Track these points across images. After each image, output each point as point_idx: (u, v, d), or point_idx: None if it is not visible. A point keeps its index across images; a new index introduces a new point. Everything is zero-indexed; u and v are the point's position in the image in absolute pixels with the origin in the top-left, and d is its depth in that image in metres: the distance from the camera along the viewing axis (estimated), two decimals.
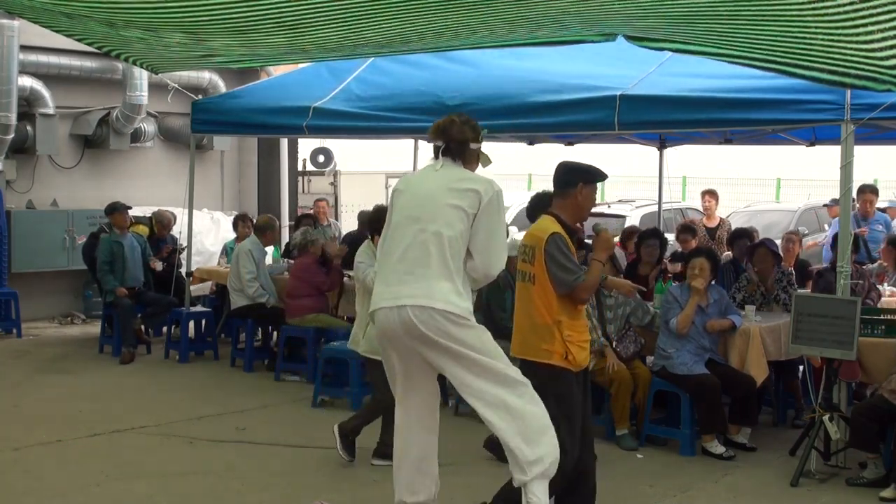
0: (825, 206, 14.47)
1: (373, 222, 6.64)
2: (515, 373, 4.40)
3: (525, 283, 4.78)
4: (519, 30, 5.87)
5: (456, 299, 4.28)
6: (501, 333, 5.40)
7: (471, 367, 4.32)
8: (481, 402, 4.36)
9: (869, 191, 10.43)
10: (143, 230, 10.84)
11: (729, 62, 5.98)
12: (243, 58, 7.01)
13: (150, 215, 11.33)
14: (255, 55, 6.85)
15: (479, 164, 4.68)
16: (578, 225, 5.06)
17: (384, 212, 5.20)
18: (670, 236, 11.73)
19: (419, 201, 4.48)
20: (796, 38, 5.16)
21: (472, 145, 4.57)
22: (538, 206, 6.30)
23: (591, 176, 4.86)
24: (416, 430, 4.58)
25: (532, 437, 4.30)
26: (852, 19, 4.60)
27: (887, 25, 4.62)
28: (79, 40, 6.62)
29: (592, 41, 6.05)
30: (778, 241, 9.11)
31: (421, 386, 4.56)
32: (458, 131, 4.55)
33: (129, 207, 10.56)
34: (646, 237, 8.76)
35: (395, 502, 4.68)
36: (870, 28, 4.68)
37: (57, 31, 6.41)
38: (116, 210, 10.20)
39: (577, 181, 4.82)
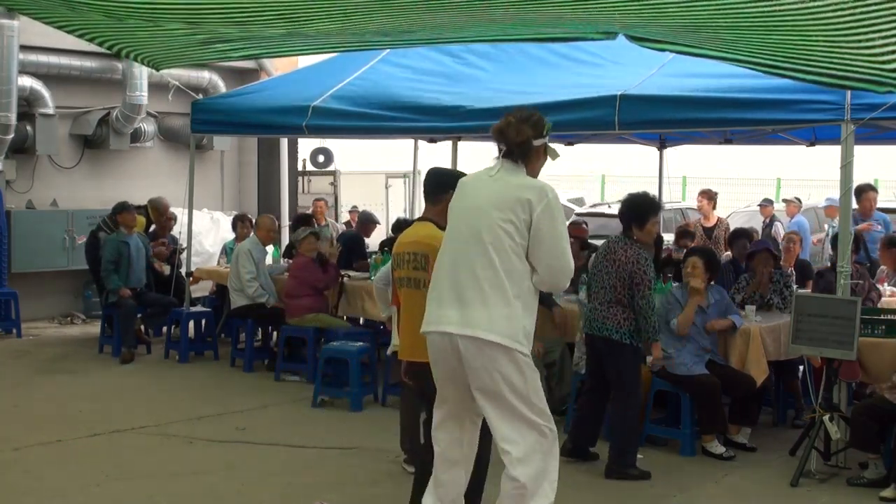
0: (823, 207, 14.46)
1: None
2: (545, 418, 4.26)
3: (419, 289, 4.72)
4: (520, 24, 5.87)
5: (508, 330, 4.10)
6: None
7: (503, 407, 4.17)
8: (501, 442, 4.26)
9: (871, 190, 10.44)
10: (140, 221, 10.79)
11: (730, 64, 5.99)
12: (244, 47, 6.98)
13: (144, 204, 11.24)
14: (255, 43, 6.81)
15: (548, 158, 4.41)
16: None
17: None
18: (670, 237, 11.74)
19: (471, 215, 4.27)
20: (797, 44, 5.18)
21: (536, 142, 4.29)
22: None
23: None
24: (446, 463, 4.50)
25: (538, 488, 4.25)
26: (853, 24, 4.60)
27: (888, 31, 4.63)
28: (79, 36, 6.59)
29: (593, 38, 6.05)
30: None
31: (459, 413, 4.43)
32: (515, 132, 4.27)
33: (138, 207, 10.56)
34: None
35: None
36: (870, 35, 4.69)
37: (58, 27, 6.37)
38: (125, 210, 10.18)
39: (448, 187, 4.71)
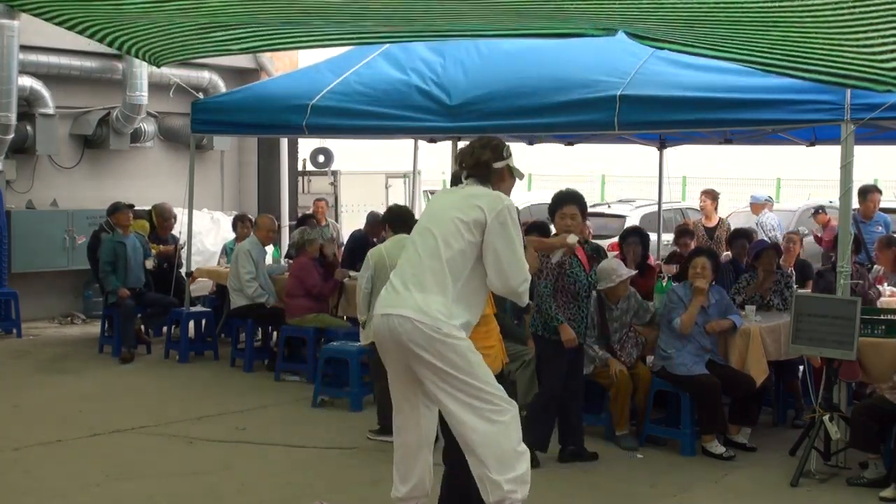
0: (814, 212, 14.39)
1: (390, 219, 7.19)
2: (499, 394, 4.34)
3: None
4: (520, 20, 5.87)
5: (442, 314, 4.25)
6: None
7: (450, 383, 4.28)
8: (456, 422, 4.32)
9: (874, 191, 10.44)
10: (143, 225, 10.82)
11: (729, 63, 5.99)
12: (243, 37, 6.95)
13: (149, 209, 11.28)
14: (254, 32, 6.79)
15: (514, 179, 4.68)
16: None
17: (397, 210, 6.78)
18: (670, 237, 11.76)
19: (431, 214, 4.55)
20: (797, 42, 5.17)
21: (496, 165, 4.58)
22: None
23: None
24: (409, 433, 4.61)
25: (506, 461, 4.27)
26: (852, 24, 4.61)
27: (887, 31, 4.63)
28: (79, 31, 6.56)
29: (593, 35, 6.05)
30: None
31: (411, 396, 4.54)
32: (472, 156, 4.59)
33: (132, 206, 10.55)
34: (626, 235, 8.77)
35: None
36: (870, 33, 4.69)
37: (57, 23, 6.35)
38: (118, 210, 10.19)
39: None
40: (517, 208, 4.50)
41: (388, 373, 4.58)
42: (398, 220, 7.12)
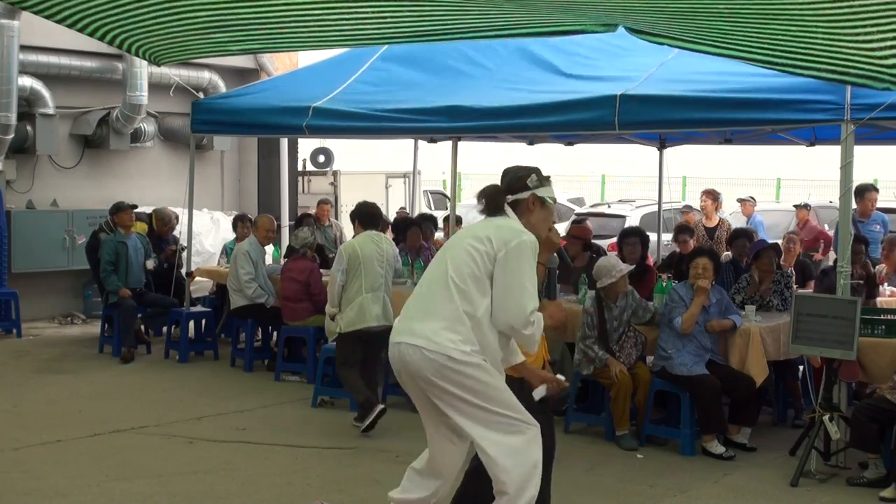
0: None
1: (360, 216, 7.53)
2: (518, 417, 4.27)
3: None
4: (520, 18, 5.86)
5: (451, 340, 4.16)
6: None
7: (466, 409, 4.22)
8: (476, 445, 4.30)
9: (872, 190, 10.44)
10: (143, 227, 10.83)
11: (729, 59, 5.98)
12: (243, 38, 6.95)
13: (149, 212, 11.31)
14: (254, 34, 6.79)
15: (547, 210, 4.45)
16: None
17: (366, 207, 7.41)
18: (670, 236, 11.75)
19: (451, 242, 4.47)
20: (797, 36, 5.16)
21: (514, 196, 4.40)
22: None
23: None
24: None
25: (523, 482, 4.22)
26: (852, 19, 4.59)
27: (885, 28, 4.62)
28: (79, 29, 6.54)
29: (594, 31, 6.04)
30: (779, 241, 9.14)
31: (430, 425, 4.46)
32: (486, 190, 4.46)
33: (135, 207, 10.56)
34: (626, 236, 8.78)
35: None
36: (869, 30, 4.68)
37: (57, 20, 6.34)
38: (121, 209, 10.19)
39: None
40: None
41: (414, 400, 4.48)
42: (367, 216, 7.49)
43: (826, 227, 14.48)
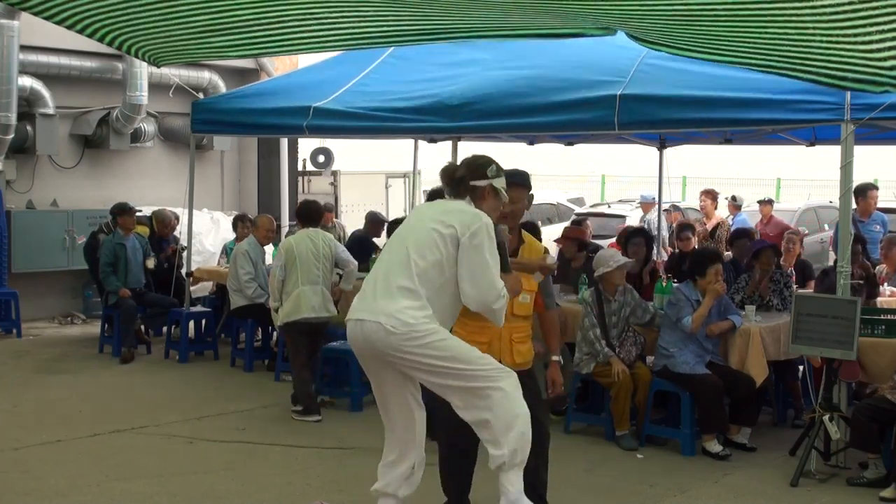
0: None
1: (299, 215, 8.16)
2: (488, 366, 4.41)
3: None
4: (519, 20, 5.87)
5: (413, 317, 4.30)
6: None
7: (438, 373, 4.36)
8: (453, 405, 4.45)
9: (873, 189, 10.43)
10: (143, 230, 10.84)
11: (727, 65, 5.99)
12: (242, 43, 6.95)
13: (150, 214, 11.32)
14: (253, 38, 6.79)
15: (499, 200, 4.64)
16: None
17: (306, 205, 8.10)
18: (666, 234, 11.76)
19: (409, 226, 4.64)
20: (794, 40, 5.16)
21: (473, 183, 4.61)
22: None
23: None
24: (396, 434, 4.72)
25: (499, 436, 4.36)
26: (850, 21, 4.59)
27: (886, 27, 4.62)
28: (79, 31, 6.56)
29: (592, 35, 6.04)
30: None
31: (392, 398, 4.60)
32: (450, 172, 4.67)
33: (139, 210, 10.56)
34: (631, 236, 8.78)
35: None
36: (868, 30, 4.67)
37: (57, 21, 6.34)
38: (125, 212, 10.19)
39: None
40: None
41: (370, 378, 4.63)
42: (305, 215, 8.07)
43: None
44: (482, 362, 4.42)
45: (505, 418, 4.35)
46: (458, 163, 4.76)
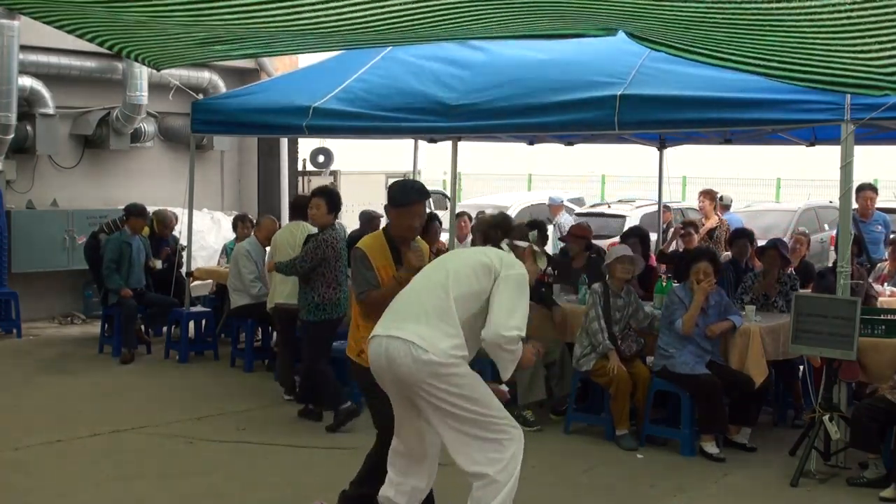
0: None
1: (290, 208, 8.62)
2: (503, 419, 4.37)
3: None
4: (519, 20, 5.86)
5: (442, 345, 4.26)
6: None
7: (449, 411, 4.31)
8: (455, 457, 4.38)
9: (868, 189, 10.41)
10: (145, 231, 10.84)
11: (727, 69, 5.98)
12: (243, 47, 6.95)
13: (150, 214, 11.31)
14: (254, 43, 6.80)
15: (536, 266, 4.76)
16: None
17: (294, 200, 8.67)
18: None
19: (453, 253, 4.81)
20: (794, 46, 5.16)
21: (512, 241, 4.72)
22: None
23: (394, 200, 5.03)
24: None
25: (492, 496, 4.29)
26: (849, 28, 4.59)
27: (884, 34, 4.62)
28: (79, 35, 6.57)
29: (594, 35, 6.04)
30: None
31: (413, 416, 4.53)
32: (499, 227, 4.80)
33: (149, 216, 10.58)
34: (627, 236, 8.79)
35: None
36: (867, 41, 4.68)
37: (58, 26, 6.36)
38: (140, 215, 10.17)
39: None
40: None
41: (389, 395, 4.55)
42: (293, 207, 8.60)
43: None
44: (500, 411, 4.38)
45: (505, 478, 4.30)
46: (486, 223, 4.86)
